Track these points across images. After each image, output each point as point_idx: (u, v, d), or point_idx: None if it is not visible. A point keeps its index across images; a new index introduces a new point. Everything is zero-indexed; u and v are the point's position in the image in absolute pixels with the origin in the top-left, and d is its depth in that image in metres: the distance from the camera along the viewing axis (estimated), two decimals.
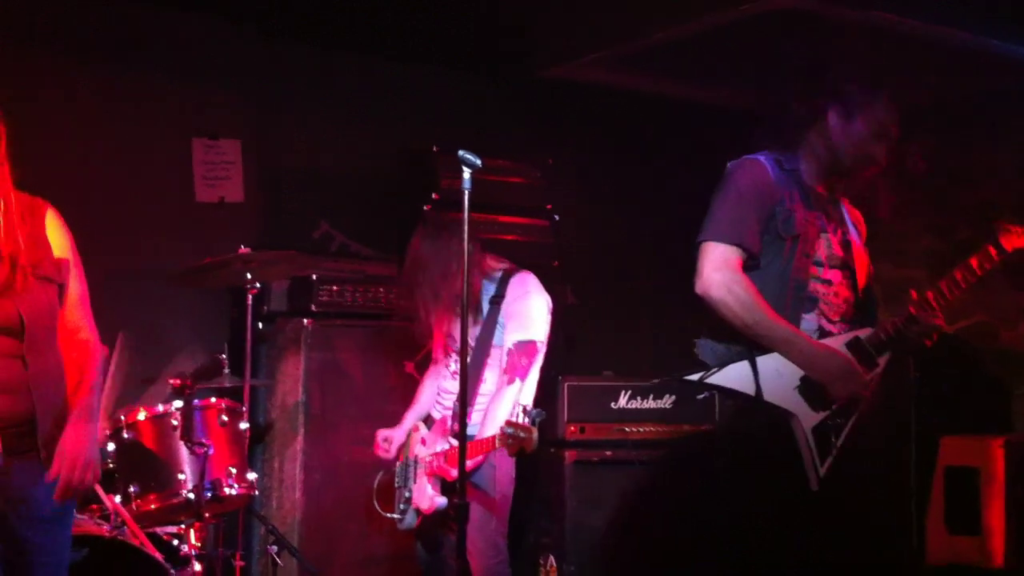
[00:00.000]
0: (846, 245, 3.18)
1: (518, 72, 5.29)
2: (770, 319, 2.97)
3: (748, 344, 3.00)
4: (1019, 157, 4.98)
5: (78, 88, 4.68)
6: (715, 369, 3.02)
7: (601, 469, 4.49)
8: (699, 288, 3.03)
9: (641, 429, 4.55)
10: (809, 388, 2.98)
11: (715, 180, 3.20)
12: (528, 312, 3.78)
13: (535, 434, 3.30)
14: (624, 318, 5.87)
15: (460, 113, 5.46)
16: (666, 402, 4.61)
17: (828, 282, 3.11)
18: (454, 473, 3.46)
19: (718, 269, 3.02)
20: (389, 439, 4.02)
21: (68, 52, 4.67)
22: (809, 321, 3.07)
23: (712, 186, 3.19)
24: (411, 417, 4.08)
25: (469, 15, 4.86)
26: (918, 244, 5.49)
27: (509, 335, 3.76)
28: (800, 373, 2.98)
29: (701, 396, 3.10)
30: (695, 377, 3.05)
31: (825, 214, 3.17)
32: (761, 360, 2.99)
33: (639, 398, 4.59)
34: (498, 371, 3.80)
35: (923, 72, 4.79)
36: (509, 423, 3.35)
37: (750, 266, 3.07)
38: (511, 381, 3.69)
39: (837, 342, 3.04)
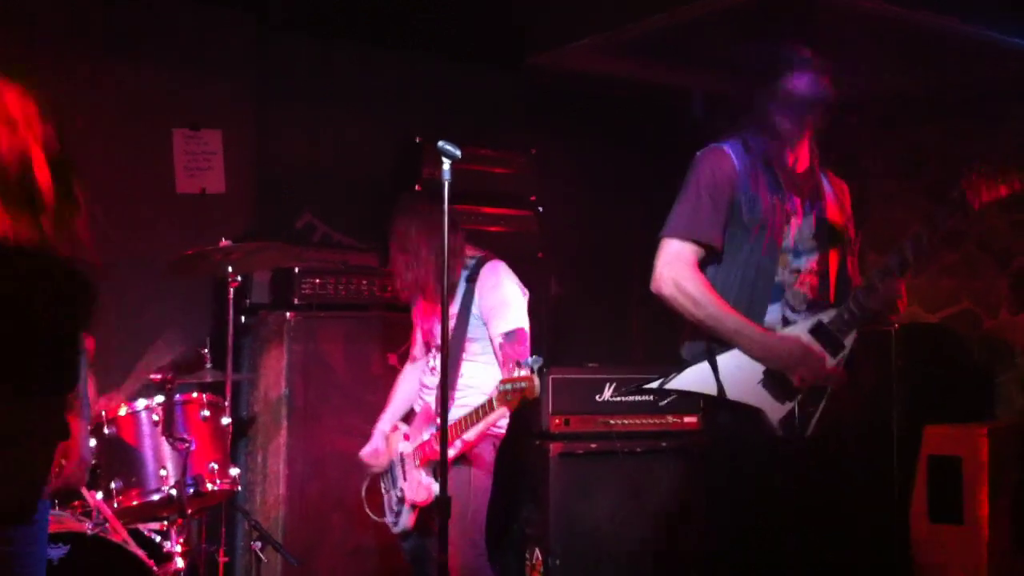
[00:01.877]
0: (821, 223, 3.12)
1: (506, 60, 5.26)
2: (720, 311, 2.94)
3: (709, 342, 2.99)
4: (1016, 146, 4.97)
5: (56, 76, 4.62)
6: (674, 374, 3.01)
7: (586, 461, 4.48)
8: (652, 286, 3.05)
9: (626, 421, 4.54)
10: (772, 380, 2.96)
11: None
12: (505, 301, 3.75)
13: (535, 380, 3.25)
14: (609, 308, 5.86)
15: (446, 102, 5.44)
16: (651, 394, 4.60)
17: (796, 270, 3.07)
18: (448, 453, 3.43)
19: (668, 264, 3.01)
20: (375, 452, 3.98)
21: (46, 39, 4.61)
22: (773, 312, 3.04)
23: None
24: (386, 420, 4.04)
25: (457, 2, 4.82)
26: (906, 231, 5.48)
27: (494, 330, 3.74)
28: (762, 367, 2.96)
29: (664, 401, 3.10)
30: (654, 385, 3.04)
31: (798, 192, 3.11)
32: (721, 358, 2.97)
33: (624, 390, 4.58)
34: (476, 363, 3.78)
35: (919, 61, 4.78)
36: (504, 380, 3.33)
37: (712, 259, 3.05)
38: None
39: (799, 328, 3.01)
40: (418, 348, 4.08)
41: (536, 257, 5.18)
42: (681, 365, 3.04)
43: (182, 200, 4.92)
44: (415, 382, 4.07)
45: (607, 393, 4.56)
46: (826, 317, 3.01)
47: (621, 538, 4.47)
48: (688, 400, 4.66)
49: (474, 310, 3.78)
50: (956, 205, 2.96)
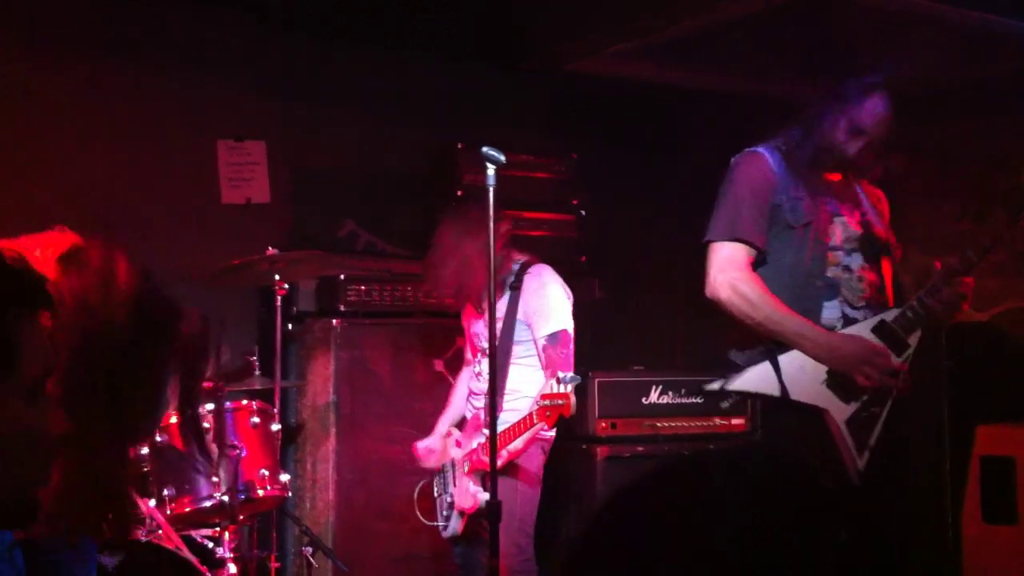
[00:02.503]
0: (866, 224, 3.10)
1: (544, 66, 5.27)
2: (780, 313, 2.92)
3: (769, 343, 2.96)
4: None
5: (103, 89, 4.70)
6: (735, 375, 2.98)
7: (633, 464, 4.46)
8: (707, 292, 3.03)
9: (673, 424, 4.52)
10: (836, 380, 2.92)
11: None
12: (549, 303, 3.76)
13: (572, 399, 3.28)
14: (653, 311, 5.84)
15: (486, 108, 5.45)
16: (697, 396, 4.58)
17: (848, 267, 3.04)
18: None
19: (722, 270, 2.99)
20: (429, 449, 4.00)
21: (93, 53, 4.68)
22: (831, 309, 3.01)
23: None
24: (444, 422, 4.07)
25: (494, 9, 4.84)
26: (949, 230, 5.43)
27: (537, 332, 3.75)
28: (824, 367, 2.93)
29: (726, 404, 3.06)
30: (716, 385, 3.01)
31: (836, 198, 3.10)
32: (783, 358, 2.94)
33: (670, 392, 4.56)
34: (523, 368, 3.79)
35: (956, 56, 4.74)
36: (543, 395, 3.34)
37: (761, 260, 3.03)
38: (554, 375, 3.69)
39: (862, 328, 2.98)
40: (468, 352, 4.10)
41: (578, 261, 5.18)
42: (735, 367, 3.01)
43: (227, 210, 4.98)
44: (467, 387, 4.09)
45: (654, 396, 4.55)
46: (889, 316, 2.98)
47: (669, 543, 4.45)
48: (735, 403, 4.67)
49: (519, 314, 3.79)
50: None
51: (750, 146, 3.17)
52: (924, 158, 5.43)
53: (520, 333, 3.80)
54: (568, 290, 3.85)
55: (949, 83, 5.06)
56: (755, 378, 2.97)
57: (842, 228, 3.06)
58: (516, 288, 3.82)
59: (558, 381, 3.32)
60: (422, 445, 4.02)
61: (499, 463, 3.54)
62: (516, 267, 3.88)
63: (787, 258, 3.02)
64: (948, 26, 4.39)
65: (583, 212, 5.29)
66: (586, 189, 5.33)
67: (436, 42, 5.26)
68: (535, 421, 3.42)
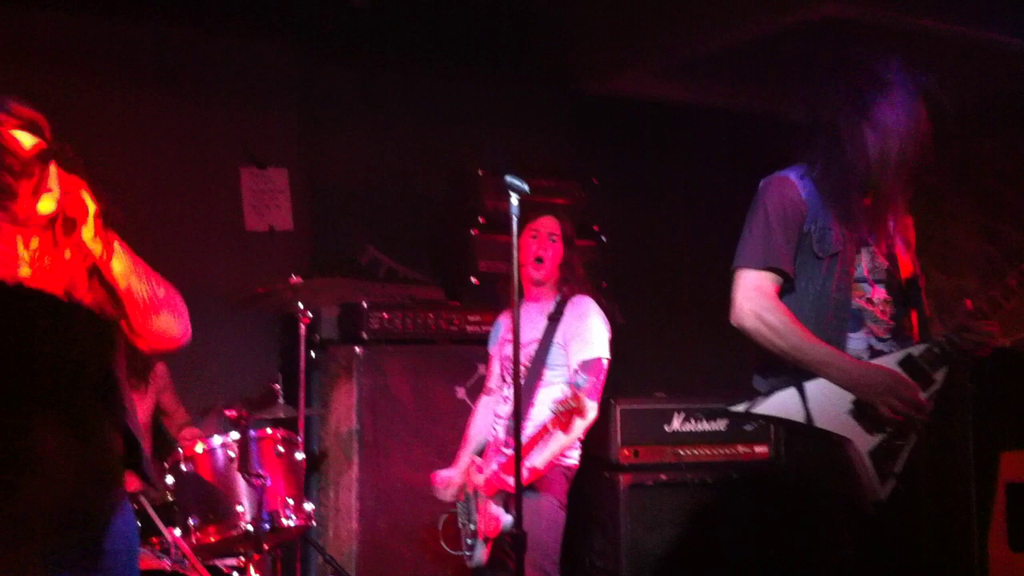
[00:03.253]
0: (892, 257, 3.06)
1: (563, 88, 5.29)
2: (807, 342, 2.89)
3: (794, 370, 2.95)
4: None
5: (128, 117, 4.73)
6: (761, 398, 2.96)
7: (656, 492, 4.45)
8: (733, 319, 2.98)
9: (695, 451, 4.51)
10: (862, 410, 2.90)
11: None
12: (588, 331, 3.81)
13: (583, 399, 3.34)
14: (675, 336, 5.84)
15: (506, 132, 5.46)
16: (720, 423, 4.57)
17: (872, 300, 3.01)
18: (511, 481, 3.45)
19: (749, 298, 2.95)
20: (449, 479, 4.00)
21: (117, 81, 4.72)
22: (857, 340, 2.98)
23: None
24: (466, 455, 4.07)
25: (512, 32, 4.87)
26: (967, 249, 5.41)
27: (573, 356, 3.79)
28: (851, 396, 2.92)
29: (750, 427, 3.03)
30: (741, 408, 2.99)
31: (866, 225, 3.03)
32: (809, 385, 2.92)
33: (693, 420, 4.55)
34: (551, 390, 3.79)
35: (971, 75, 4.74)
36: (554, 401, 3.40)
37: (786, 289, 3.02)
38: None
39: (889, 360, 2.95)
40: (494, 379, 4.11)
41: (599, 287, 5.18)
42: (759, 393, 3.00)
43: (250, 237, 5.00)
44: (488, 416, 4.09)
45: (676, 423, 4.53)
46: (916, 351, 2.96)
47: (693, 570, 4.43)
48: (758, 430, 4.65)
49: (557, 338, 3.83)
50: None
51: (772, 167, 3.14)
52: (940, 177, 5.42)
53: (554, 357, 3.83)
54: (608, 323, 3.88)
55: (963, 101, 5.05)
56: (780, 403, 2.95)
57: (868, 259, 3.04)
58: (556, 319, 3.86)
59: (569, 386, 3.36)
60: (443, 474, 4.03)
61: (511, 482, 3.56)
62: (559, 297, 3.93)
63: (812, 287, 3.00)
64: (958, 44, 4.39)
65: (603, 237, 5.30)
66: (607, 214, 5.33)
67: (457, 66, 5.29)
68: (550, 429, 3.46)
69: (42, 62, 4.54)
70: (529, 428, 3.67)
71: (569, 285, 3.96)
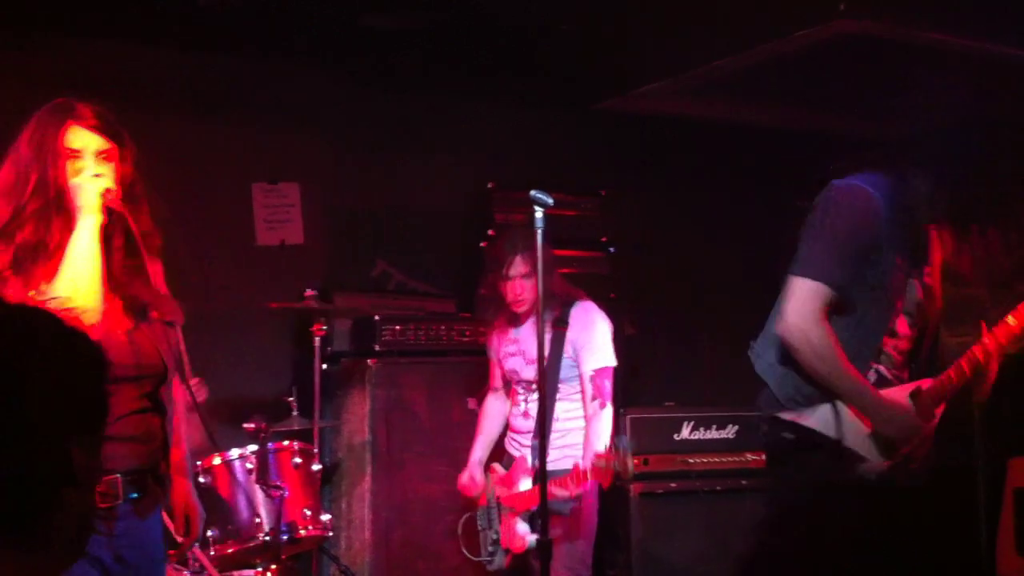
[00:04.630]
0: (928, 290, 3.05)
1: (575, 105, 5.33)
2: (843, 371, 2.84)
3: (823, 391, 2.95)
4: None
5: (140, 134, 4.77)
6: (804, 409, 2.90)
7: (667, 500, 4.49)
8: (777, 327, 2.90)
9: (705, 460, 4.56)
10: (880, 439, 2.93)
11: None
12: (597, 339, 3.89)
13: (630, 461, 3.43)
14: (682, 348, 5.88)
15: (517, 147, 5.50)
16: (729, 432, 4.62)
17: (894, 331, 3.00)
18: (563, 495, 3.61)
19: (799, 313, 2.83)
20: (472, 479, 4.07)
21: (129, 98, 4.75)
22: (874, 370, 2.99)
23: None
24: (478, 448, 4.14)
25: (526, 51, 4.91)
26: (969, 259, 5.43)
27: (586, 365, 3.86)
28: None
29: (789, 435, 3.01)
30: (788, 416, 2.96)
31: (918, 255, 3.02)
32: (842, 404, 2.93)
33: (702, 428, 4.60)
34: (568, 403, 3.89)
35: (986, 92, 4.78)
36: (598, 456, 3.49)
37: (835, 307, 2.92)
38: (603, 405, 3.81)
39: (901, 392, 2.93)
40: (497, 379, 4.17)
41: (609, 298, 5.22)
42: (806, 399, 2.99)
43: (262, 252, 5.06)
44: (497, 412, 4.17)
45: (685, 432, 4.58)
46: (925, 386, 2.96)
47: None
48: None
49: (567, 351, 3.88)
50: None
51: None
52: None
53: (566, 370, 3.90)
54: (608, 320, 3.97)
55: (972, 118, 5.09)
56: (818, 417, 2.93)
57: (911, 293, 3.01)
58: (562, 326, 3.91)
59: (615, 447, 3.48)
60: (465, 477, 4.09)
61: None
62: (564, 305, 4.00)
63: (855, 314, 2.93)
64: (980, 64, 4.42)
65: (612, 249, 5.35)
66: (616, 225, 5.38)
67: (468, 84, 5.33)
68: (588, 477, 3.57)
69: (67, 87, 4.59)
70: (555, 451, 3.77)
71: (560, 296, 3.98)
